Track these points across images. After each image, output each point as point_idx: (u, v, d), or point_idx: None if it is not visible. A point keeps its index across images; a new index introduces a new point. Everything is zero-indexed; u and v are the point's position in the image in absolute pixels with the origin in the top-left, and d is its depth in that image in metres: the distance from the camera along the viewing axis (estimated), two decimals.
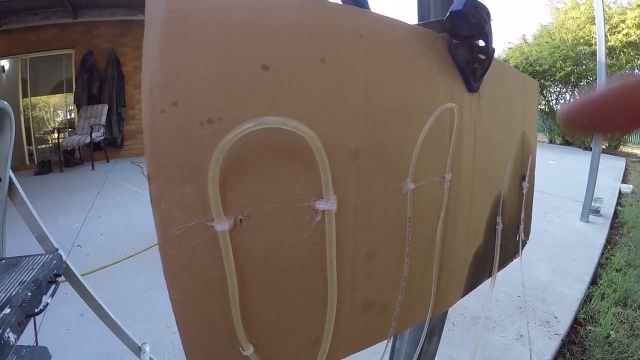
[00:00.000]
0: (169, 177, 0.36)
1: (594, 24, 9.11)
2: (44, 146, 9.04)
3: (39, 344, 1.40)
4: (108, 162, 8.18)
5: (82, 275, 1.47)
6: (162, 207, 0.37)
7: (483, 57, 0.62)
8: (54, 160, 7.75)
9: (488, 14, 0.55)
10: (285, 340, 0.50)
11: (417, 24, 0.57)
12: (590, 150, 4.56)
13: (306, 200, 0.43)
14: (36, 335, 1.33)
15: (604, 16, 4.20)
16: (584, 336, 2.34)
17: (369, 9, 0.56)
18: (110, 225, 4.24)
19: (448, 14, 0.54)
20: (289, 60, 0.39)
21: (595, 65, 8.79)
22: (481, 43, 0.60)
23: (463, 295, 0.82)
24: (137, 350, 1.64)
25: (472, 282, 0.81)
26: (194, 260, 0.40)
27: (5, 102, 1.29)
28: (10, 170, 1.34)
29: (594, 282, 3.02)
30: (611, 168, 7.36)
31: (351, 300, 0.53)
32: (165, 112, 0.35)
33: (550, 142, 10.64)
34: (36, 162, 8.06)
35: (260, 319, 0.46)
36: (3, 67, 8.22)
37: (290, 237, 0.43)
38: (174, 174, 0.36)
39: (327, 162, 0.41)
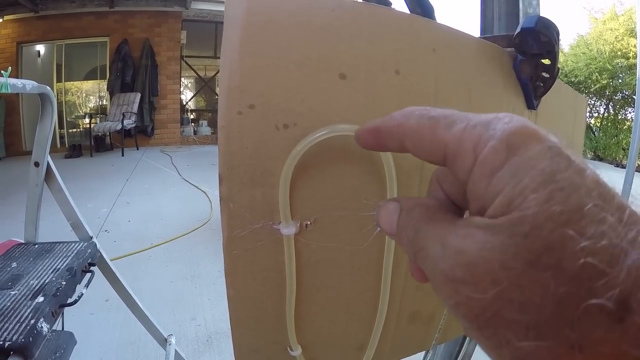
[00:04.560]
0: (240, 179, 0.36)
1: (633, 36, 8.89)
2: (74, 130, 9.25)
3: (64, 328, 1.42)
4: (138, 149, 8.33)
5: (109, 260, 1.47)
6: (230, 207, 0.37)
7: (547, 75, 0.60)
8: (84, 145, 7.93)
9: (558, 33, 0.54)
10: (332, 343, 0.50)
11: (483, 37, 0.56)
12: (623, 168, 4.42)
13: (370, 210, 0.43)
14: (63, 320, 1.35)
15: None
16: None
17: (435, 18, 0.55)
18: (138, 212, 4.30)
19: (519, 30, 0.53)
20: (366, 70, 0.39)
21: (632, 79, 8.60)
22: (546, 62, 0.59)
23: None
24: (163, 341, 1.64)
25: None
26: (256, 261, 0.40)
27: (48, 88, 1.29)
28: (49, 156, 1.36)
29: None
30: None
31: (399, 310, 0.52)
32: (242, 115, 0.35)
33: None
34: (67, 146, 8.25)
35: (311, 322, 0.46)
36: (39, 51, 8.43)
37: (350, 244, 0.43)
38: (246, 176, 0.36)
39: (394, 174, 0.40)
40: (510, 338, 0.17)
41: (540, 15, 0.56)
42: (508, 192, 0.18)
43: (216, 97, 10.76)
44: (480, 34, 0.80)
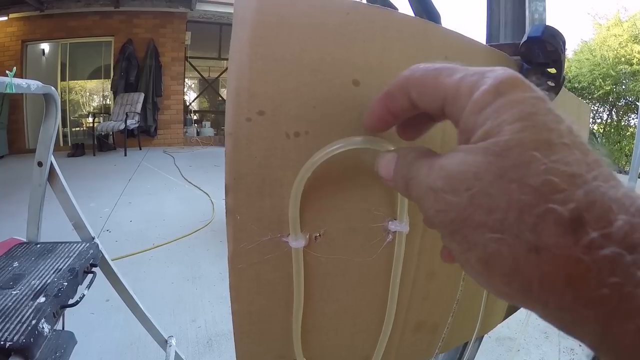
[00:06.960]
0: (247, 189, 0.35)
1: (637, 42, 8.88)
2: (78, 129, 9.26)
3: (64, 328, 1.41)
4: (140, 149, 8.32)
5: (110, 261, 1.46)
6: (237, 219, 0.36)
7: (552, 84, 0.59)
8: (87, 144, 7.92)
9: (564, 42, 0.53)
10: (338, 355, 0.49)
11: (489, 44, 0.55)
12: (626, 174, 4.39)
13: (380, 221, 0.41)
14: (63, 320, 1.33)
15: None
16: None
17: (441, 23, 0.54)
18: (140, 212, 4.29)
19: (525, 39, 0.52)
20: (379, 76, 0.38)
21: (635, 85, 8.59)
22: (552, 70, 0.58)
23: (504, 319, 0.81)
24: (163, 343, 1.63)
25: (514, 306, 0.79)
26: (262, 274, 0.39)
27: (53, 88, 1.28)
28: (52, 156, 1.34)
29: None
30: None
31: (405, 320, 0.51)
32: (251, 121, 0.34)
33: None
34: (70, 144, 8.24)
35: (318, 334, 0.45)
36: (43, 50, 8.44)
37: (359, 256, 0.42)
38: (253, 187, 0.35)
39: None
40: (478, 239, 0.20)
41: (547, 24, 0.55)
42: (488, 124, 0.22)
43: (219, 98, 10.77)
44: (486, 41, 0.80)
